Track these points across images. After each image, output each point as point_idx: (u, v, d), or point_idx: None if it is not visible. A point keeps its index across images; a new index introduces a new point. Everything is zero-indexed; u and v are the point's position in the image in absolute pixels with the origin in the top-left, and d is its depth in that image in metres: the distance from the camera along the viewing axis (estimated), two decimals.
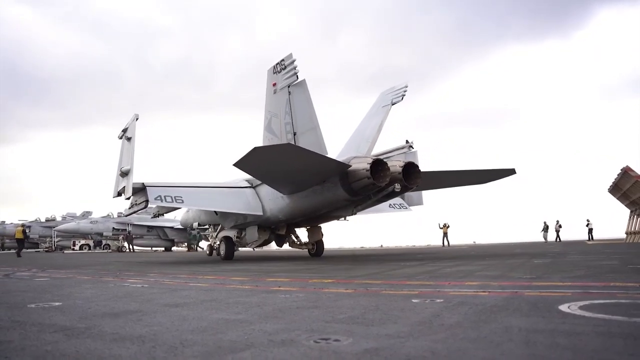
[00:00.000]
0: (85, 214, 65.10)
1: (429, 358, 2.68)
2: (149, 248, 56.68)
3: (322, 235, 21.13)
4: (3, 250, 62.39)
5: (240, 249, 23.02)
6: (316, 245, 21.03)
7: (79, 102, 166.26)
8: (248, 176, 18.63)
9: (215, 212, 21.08)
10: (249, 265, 14.70)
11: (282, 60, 16.96)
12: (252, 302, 5.18)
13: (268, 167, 15.20)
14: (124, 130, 18.08)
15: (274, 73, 17.46)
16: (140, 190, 17.19)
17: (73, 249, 58.49)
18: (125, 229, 54.32)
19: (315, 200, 16.44)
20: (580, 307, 4.14)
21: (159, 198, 17.03)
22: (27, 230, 38.47)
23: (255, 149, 12.63)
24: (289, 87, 16.69)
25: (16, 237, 33.79)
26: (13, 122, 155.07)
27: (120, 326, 3.87)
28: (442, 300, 4.89)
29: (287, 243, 21.90)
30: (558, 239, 45.63)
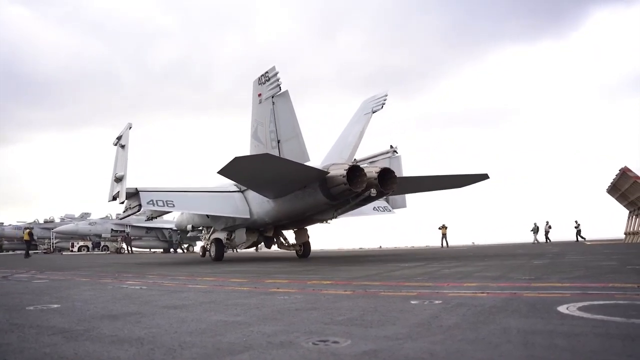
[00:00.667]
0: (84, 216, 64.98)
1: (428, 359, 2.69)
2: (148, 249, 56.63)
3: (308, 237, 21.93)
4: (1, 252, 62.23)
5: (239, 250, 23.63)
6: (303, 246, 21.81)
7: (78, 102, 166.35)
8: None
9: (207, 215, 22.06)
10: (247, 266, 14.70)
11: (267, 72, 17.89)
12: (250, 304, 5.17)
13: (249, 174, 16.18)
14: (118, 138, 18.94)
15: (259, 84, 18.41)
16: (133, 194, 18.04)
17: (71, 251, 58.37)
18: (124, 231, 54.27)
19: (297, 204, 17.44)
20: (579, 308, 4.15)
21: (151, 202, 17.91)
22: (33, 233, 40.42)
23: (235, 158, 13.42)
24: (272, 97, 17.61)
25: (24, 238, 36.30)
26: (12, 123, 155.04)
27: (118, 328, 3.87)
28: (440, 302, 4.89)
29: (276, 245, 22.80)
30: (548, 240, 45.59)
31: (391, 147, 24.86)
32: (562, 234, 46.17)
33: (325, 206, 17.09)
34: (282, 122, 17.55)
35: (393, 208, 25.26)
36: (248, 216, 19.67)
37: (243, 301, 5.48)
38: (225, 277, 9.99)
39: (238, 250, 23.55)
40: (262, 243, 23.23)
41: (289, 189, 17.36)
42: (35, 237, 48.40)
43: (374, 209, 23.89)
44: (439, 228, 42.35)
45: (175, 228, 39.18)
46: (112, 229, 55.43)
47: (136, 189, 18.02)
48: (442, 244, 41.63)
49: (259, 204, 19.25)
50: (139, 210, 18.63)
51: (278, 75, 17.56)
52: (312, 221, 20.33)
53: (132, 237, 54.24)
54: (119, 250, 53.54)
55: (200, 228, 25.63)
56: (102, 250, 57.80)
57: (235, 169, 14.70)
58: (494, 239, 60.52)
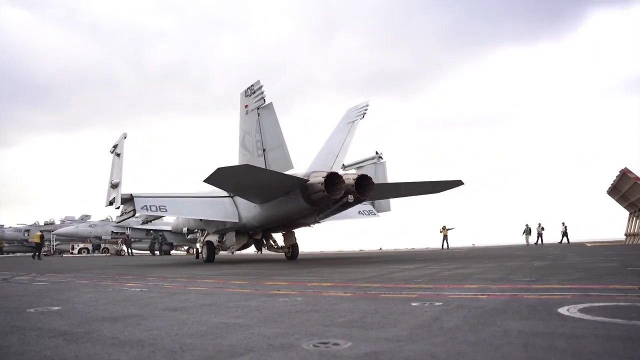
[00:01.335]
0: (84, 218, 64.94)
1: None
2: (148, 252, 56.57)
3: (296, 240, 22.80)
4: (2, 254, 62.18)
5: (238, 251, 24.58)
6: (291, 249, 22.59)
7: (76, 105, 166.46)
8: None
9: (200, 219, 23.27)
10: (248, 268, 14.69)
11: (252, 85, 19.08)
12: (251, 306, 5.17)
13: (233, 183, 17.46)
14: (115, 147, 20.28)
15: (245, 96, 19.63)
16: (129, 200, 19.29)
17: (72, 253, 58.32)
18: (124, 233, 54.21)
19: (281, 209, 18.51)
20: (580, 310, 4.14)
21: (144, 207, 19.27)
22: (44, 236, 42.14)
23: (218, 169, 14.44)
24: (258, 109, 18.77)
25: (35, 241, 38.60)
26: (11, 125, 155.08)
27: (119, 330, 3.87)
28: (441, 304, 4.89)
29: (266, 247, 23.80)
30: (540, 242, 45.42)
31: (377, 153, 25.99)
32: (558, 235, 45.94)
33: (306, 211, 18.10)
34: (267, 132, 18.66)
35: (378, 212, 26.22)
36: (237, 220, 20.74)
37: (243, 303, 5.48)
38: (226, 279, 9.99)
39: (234, 252, 24.32)
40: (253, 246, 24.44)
41: (272, 195, 18.33)
42: (44, 240, 48.85)
43: (359, 212, 24.91)
44: (440, 230, 42.33)
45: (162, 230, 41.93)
46: (112, 231, 55.35)
47: (131, 194, 19.20)
48: (442, 246, 41.61)
49: (247, 209, 20.25)
50: (134, 215, 19.98)
51: (262, 88, 18.75)
52: (297, 225, 21.38)
53: (132, 240, 54.18)
54: (119, 253, 53.48)
55: (195, 231, 26.60)
56: (102, 253, 57.76)
57: (219, 179, 15.75)
58: (494, 240, 60.47)
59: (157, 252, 53.05)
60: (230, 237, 22.10)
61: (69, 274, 13.69)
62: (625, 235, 47.97)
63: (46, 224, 64.54)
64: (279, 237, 23.75)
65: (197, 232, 26.59)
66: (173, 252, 56.82)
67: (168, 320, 4.32)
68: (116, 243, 55.59)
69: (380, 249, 52.96)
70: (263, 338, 3.41)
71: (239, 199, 20.61)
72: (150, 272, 13.66)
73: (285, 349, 3.07)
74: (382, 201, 26.04)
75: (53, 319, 4.60)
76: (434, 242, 46.33)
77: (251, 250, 25.62)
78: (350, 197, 16.75)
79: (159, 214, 20.77)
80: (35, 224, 64.38)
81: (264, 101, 18.62)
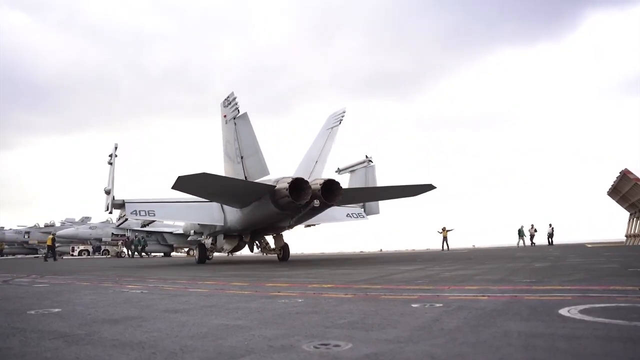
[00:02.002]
0: (84, 220, 65.00)
1: None
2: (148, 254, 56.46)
3: (284, 241, 23.55)
4: (2, 256, 62.16)
5: (237, 254, 25.62)
6: (283, 250, 23.30)
7: (76, 107, 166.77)
8: None
9: (194, 222, 24.97)
10: (248, 270, 14.69)
11: (228, 97, 20.61)
12: (251, 308, 5.17)
13: (197, 190, 18.29)
14: (110, 156, 22.05)
15: (224, 106, 21.00)
16: (122, 205, 20.74)
17: (72, 255, 58.30)
18: (124, 235, 54.16)
19: (257, 213, 19.37)
20: (580, 311, 4.14)
21: (134, 212, 20.63)
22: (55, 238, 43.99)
23: (178, 178, 15.40)
24: (234, 119, 20.19)
25: (47, 244, 40.80)
26: (11, 127, 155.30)
27: (120, 332, 3.87)
28: (441, 305, 4.89)
29: (260, 249, 24.85)
30: (532, 244, 45.47)
31: (366, 157, 27.01)
32: (559, 237, 45.94)
33: (278, 215, 18.86)
34: (243, 140, 20.07)
35: (368, 214, 26.90)
36: (222, 224, 21.85)
37: (244, 305, 5.48)
38: (226, 281, 9.99)
39: (228, 254, 25.60)
40: (254, 247, 25.49)
41: (247, 201, 19.27)
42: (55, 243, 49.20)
43: (347, 215, 25.79)
44: (439, 231, 42.32)
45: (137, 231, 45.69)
46: (112, 233, 55.36)
47: (124, 200, 20.64)
48: (442, 247, 41.58)
49: (231, 213, 21.25)
50: (127, 219, 22.55)
51: (236, 100, 20.25)
52: (277, 228, 22.10)
53: (132, 241, 54.11)
54: (119, 255, 53.42)
55: (200, 232, 27.68)
56: (102, 254, 57.74)
57: (181, 186, 16.55)
58: (493, 241, 60.47)
59: (136, 254, 52.05)
60: (220, 240, 23.38)
61: (69, 275, 13.69)
62: (626, 236, 47.94)
63: (46, 225, 64.57)
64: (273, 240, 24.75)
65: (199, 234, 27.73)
66: (174, 254, 56.76)
67: (168, 322, 4.33)
68: (116, 245, 55.52)
69: (381, 250, 52.95)
70: (264, 339, 3.41)
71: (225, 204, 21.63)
72: (151, 274, 13.66)
73: (285, 350, 3.07)
74: (373, 204, 26.85)
75: (53, 321, 4.60)
76: (434, 243, 46.36)
77: (253, 252, 26.37)
78: (316, 202, 17.42)
79: (148, 218, 22.11)
80: (35, 225, 64.45)
81: (238, 111, 20.06)
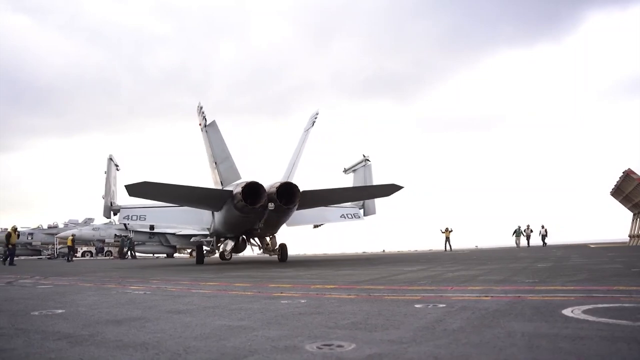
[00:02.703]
0: (88, 221, 64.98)
1: None
2: (151, 255, 56.58)
3: (277, 243, 23.90)
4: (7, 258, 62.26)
5: (238, 255, 27.55)
6: (281, 251, 23.54)
7: (77, 109, 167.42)
8: None
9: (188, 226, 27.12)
10: (251, 271, 14.69)
11: (198, 106, 22.54)
12: (254, 309, 5.17)
13: (152, 196, 18.93)
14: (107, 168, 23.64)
15: (198, 115, 22.67)
16: (118, 210, 22.52)
17: (75, 256, 58.32)
18: (127, 236, 54.19)
19: (227, 216, 19.73)
20: (584, 311, 4.13)
21: (126, 217, 22.43)
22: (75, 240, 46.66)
23: (125, 186, 16.11)
24: (205, 127, 21.62)
25: (67, 244, 44.45)
26: (13, 129, 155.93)
27: (123, 333, 3.88)
28: (444, 305, 4.88)
29: (262, 250, 25.17)
30: (528, 244, 45.41)
31: (364, 156, 27.47)
32: (561, 237, 45.96)
33: (242, 219, 19.13)
34: (215, 147, 21.14)
35: (364, 215, 26.90)
36: (209, 227, 22.70)
37: (247, 306, 5.48)
38: (229, 281, 9.99)
39: (227, 255, 25.69)
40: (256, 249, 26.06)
41: (215, 205, 19.92)
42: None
43: (340, 216, 25.92)
44: (442, 232, 42.22)
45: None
46: (115, 234, 55.41)
47: (119, 206, 22.43)
48: (445, 248, 41.50)
49: (216, 217, 21.68)
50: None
51: (203, 109, 22.04)
52: (254, 231, 21.87)
53: (135, 243, 54.17)
54: (122, 256, 53.39)
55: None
56: (105, 256, 57.80)
57: (133, 194, 17.07)
58: (494, 241, 60.32)
59: (128, 255, 51.97)
60: (215, 242, 24.44)
61: (72, 277, 13.72)
62: (629, 236, 47.75)
63: (50, 227, 64.64)
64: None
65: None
66: (176, 255, 56.78)
67: (172, 323, 4.33)
68: (119, 246, 55.47)
69: (383, 250, 52.88)
70: (267, 340, 3.42)
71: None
72: (154, 275, 13.67)
73: (288, 351, 3.07)
74: (370, 204, 26.85)
75: (57, 322, 4.62)
76: (436, 243, 46.26)
77: (254, 252, 26.73)
78: (271, 205, 17.84)
79: (139, 222, 23.93)
80: (39, 227, 64.51)
81: (206, 120, 21.41)
